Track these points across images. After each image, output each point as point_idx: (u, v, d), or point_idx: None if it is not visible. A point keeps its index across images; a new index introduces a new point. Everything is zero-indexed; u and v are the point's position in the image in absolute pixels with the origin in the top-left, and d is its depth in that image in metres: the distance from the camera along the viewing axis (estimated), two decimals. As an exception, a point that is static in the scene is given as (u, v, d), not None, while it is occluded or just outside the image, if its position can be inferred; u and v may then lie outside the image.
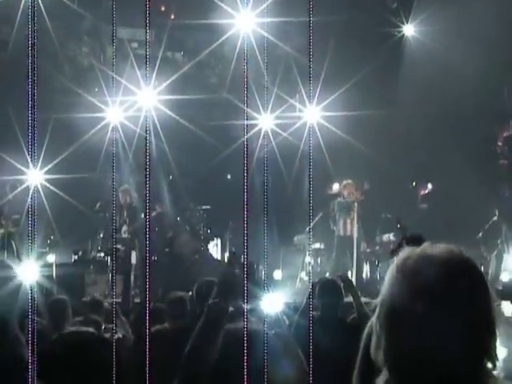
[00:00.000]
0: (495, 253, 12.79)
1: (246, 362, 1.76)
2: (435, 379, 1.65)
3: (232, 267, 3.51)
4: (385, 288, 1.74)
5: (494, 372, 1.69)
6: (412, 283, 1.68)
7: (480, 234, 13.14)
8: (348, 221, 12.96)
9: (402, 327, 1.68)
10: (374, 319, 1.75)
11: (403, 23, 15.37)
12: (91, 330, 2.69)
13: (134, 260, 12.36)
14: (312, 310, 2.79)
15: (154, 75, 12.53)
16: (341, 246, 13.05)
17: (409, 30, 15.34)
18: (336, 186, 13.96)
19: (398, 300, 1.69)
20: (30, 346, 0.98)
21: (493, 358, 1.68)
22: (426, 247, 1.76)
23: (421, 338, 1.66)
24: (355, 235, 12.79)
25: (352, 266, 12.63)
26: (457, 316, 1.65)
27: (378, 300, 1.76)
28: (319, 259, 14.16)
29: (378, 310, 1.75)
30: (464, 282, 1.69)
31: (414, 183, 15.80)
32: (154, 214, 13.73)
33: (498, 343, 1.71)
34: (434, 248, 1.75)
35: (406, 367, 1.68)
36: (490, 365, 1.69)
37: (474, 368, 1.66)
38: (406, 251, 1.76)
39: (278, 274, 13.90)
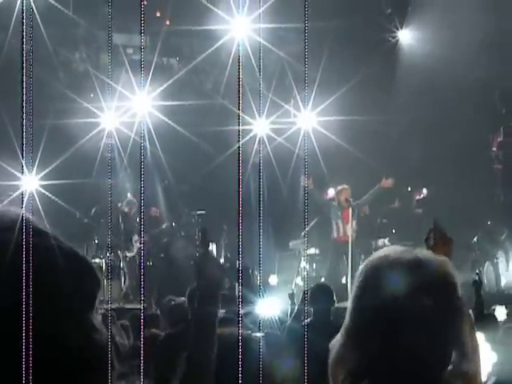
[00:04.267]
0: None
1: (241, 367, 1.76)
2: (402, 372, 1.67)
3: (205, 247, 3.26)
4: (353, 289, 1.85)
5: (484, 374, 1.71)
6: (371, 284, 1.78)
7: (475, 239, 13.16)
8: (340, 225, 12.95)
9: (368, 324, 1.76)
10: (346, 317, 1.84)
11: (397, 29, 15.43)
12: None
13: None
14: (305, 315, 2.80)
15: (149, 81, 12.56)
16: (334, 251, 13.06)
17: (403, 35, 15.40)
18: (331, 192, 13.94)
19: (362, 301, 1.79)
20: (26, 348, 0.98)
21: (460, 345, 1.71)
22: (387, 250, 1.83)
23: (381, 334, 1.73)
24: (350, 240, 12.74)
25: (348, 270, 12.60)
26: (417, 312, 1.71)
27: (349, 300, 1.86)
28: (314, 264, 14.15)
29: (348, 308, 1.85)
30: (420, 281, 1.74)
31: (409, 188, 15.82)
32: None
33: (485, 345, 1.74)
34: (395, 250, 1.82)
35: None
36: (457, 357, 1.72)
37: (439, 360, 1.70)
38: (373, 254, 1.86)
39: (273, 280, 13.88)
